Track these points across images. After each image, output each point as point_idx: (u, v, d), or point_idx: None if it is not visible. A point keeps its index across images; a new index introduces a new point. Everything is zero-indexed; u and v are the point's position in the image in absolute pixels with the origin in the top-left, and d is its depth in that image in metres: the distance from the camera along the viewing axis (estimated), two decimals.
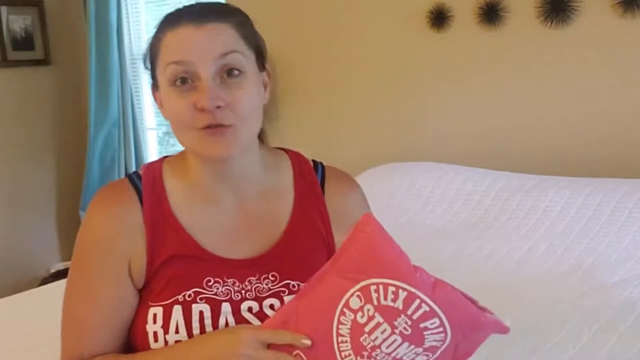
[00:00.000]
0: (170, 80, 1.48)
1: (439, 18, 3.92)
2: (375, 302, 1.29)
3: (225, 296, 1.52)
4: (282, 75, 4.56)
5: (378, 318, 1.28)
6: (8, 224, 5.48)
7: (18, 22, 5.41)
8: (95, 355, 1.55)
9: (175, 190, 1.60)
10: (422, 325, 1.27)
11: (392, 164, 3.92)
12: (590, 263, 2.83)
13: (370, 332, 1.29)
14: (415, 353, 1.30)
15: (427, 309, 1.27)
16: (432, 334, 1.28)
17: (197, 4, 1.54)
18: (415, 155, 4.00)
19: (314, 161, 1.75)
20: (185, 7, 1.54)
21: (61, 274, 4.90)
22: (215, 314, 1.50)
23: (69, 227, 5.73)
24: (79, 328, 1.57)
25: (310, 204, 1.67)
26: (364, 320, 1.30)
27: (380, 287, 1.29)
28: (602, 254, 2.88)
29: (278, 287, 1.56)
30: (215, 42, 1.48)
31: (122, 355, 1.56)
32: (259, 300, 1.54)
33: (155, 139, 5.66)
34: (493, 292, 2.66)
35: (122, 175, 5.36)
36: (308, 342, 1.40)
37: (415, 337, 1.28)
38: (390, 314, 1.28)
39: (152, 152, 5.62)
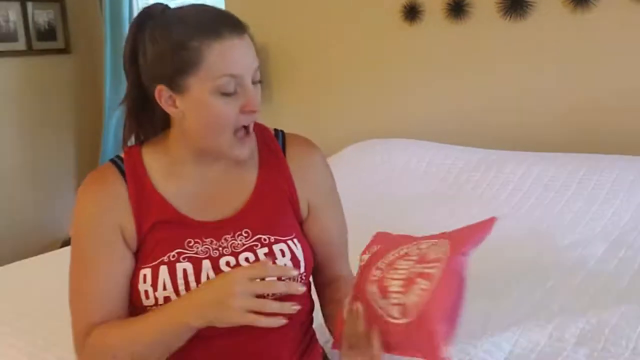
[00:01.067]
0: (219, 90, 1.45)
1: (412, 12, 3.90)
2: (428, 246, 1.35)
3: (205, 254, 1.53)
4: (275, 61, 4.52)
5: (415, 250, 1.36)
6: (34, 194, 5.46)
7: (42, 16, 5.38)
8: (103, 322, 1.55)
9: (153, 167, 1.60)
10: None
11: (371, 140, 3.91)
12: (544, 227, 2.82)
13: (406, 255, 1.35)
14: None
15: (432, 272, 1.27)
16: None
17: (220, 12, 1.52)
18: (391, 133, 3.98)
19: (275, 130, 1.75)
20: (216, 15, 1.50)
21: None
22: (197, 270, 1.51)
23: None
24: (85, 300, 1.56)
25: (273, 167, 1.67)
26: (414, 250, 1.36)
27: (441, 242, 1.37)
28: (555, 219, 2.87)
29: (251, 242, 1.56)
30: (252, 53, 1.50)
31: (124, 321, 1.53)
32: (235, 255, 1.54)
33: None
34: None
35: None
36: (295, 272, 1.44)
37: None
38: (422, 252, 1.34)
39: None
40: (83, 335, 1.53)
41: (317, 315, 1.76)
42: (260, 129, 1.70)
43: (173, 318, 1.43)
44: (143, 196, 1.57)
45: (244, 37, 1.48)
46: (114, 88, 5.25)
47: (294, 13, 4.43)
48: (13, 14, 5.20)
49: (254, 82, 1.50)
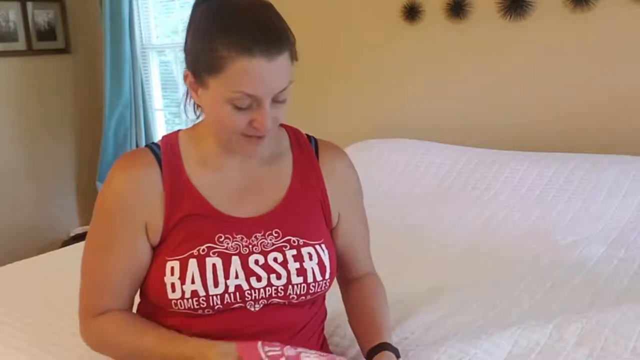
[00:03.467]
0: (232, 101, 1.43)
1: (412, 12, 3.91)
2: None
3: (235, 250, 1.52)
4: None
5: None
6: (34, 193, 5.47)
7: (42, 15, 5.39)
8: (112, 310, 1.59)
9: (189, 158, 1.59)
10: None
11: (370, 140, 3.91)
12: (544, 227, 2.82)
13: None
14: None
15: None
16: None
17: (263, 26, 1.43)
18: (391, 133, 3.99)
19: (307, 135, 1.75)
20: (258, 28, 1.42)
21: (80, 237, 4.90)
22: (227, 266, 1.50)
23: (86, 196, 5.73)
24: (97, 282, 1.58)
25: (307, 168, 1.68)
26: None
27: None
28: (554, 219, 2.87)
29: (281, 242, 1.57)
30: (281, 77, 1.46)
31: (139, 325, 1.58)
32: (264, 254, 1.54)
33: (162, 118, 5.64)
34: (458, 253, 2.66)
35: None
36: None
37: None
38: None
39: (159, 130, 5.59)
40: (90, 315, 1.59)
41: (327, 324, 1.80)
42: (293, 130, 1.73)
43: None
44: (177, 187, 1.56)
45: (275, 59, 1.42)
46: (114, 88, 5.26)
47: (293, 13, 4.42)
48: (13, 14, 5.21)
49: (276, 101, 1.48)
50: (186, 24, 1.53)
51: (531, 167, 3.17)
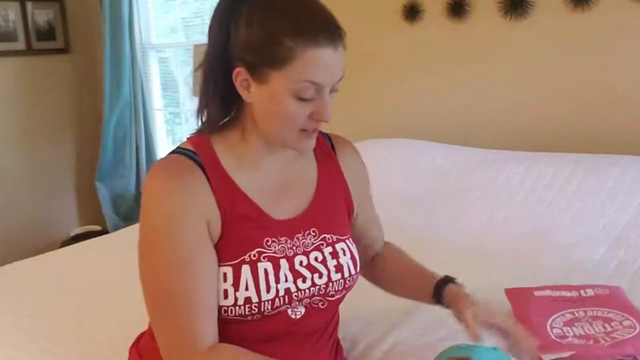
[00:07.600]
0: (296, 92, 1.41)
1: (412, 12, 3.91)
2: None
3: (282, 253, 1.51)
4: None
5: None
6: (33, 193, 5.46)
7: (42, 15, 5.40)
8: (215, 344, 1.45)
9: (225, 159, 1.52)
10: None
11: (370, 140, 3.91)
12: (544, 227, 2.82)
13: None
14: None
15: None
16: None
17: (325, 16, 1.48)
18: (391, 133, 3.99)
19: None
20: (319, 18, 1.45)
21: (79, 238, 4.89)
22: (277, 270, 1.48)
23: (86, 197, 5.74)
24: (191, 308, 1.42)
25: (328, 165, 1.68)
26: None
27: None
28: (555, 219, 2.87)
29: (318, 241, 1.57)
30: (341, 65, 1.47)
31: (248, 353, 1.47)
32: (306, 254, 1.54)
33: (162, 118, 5.64)
34: (457, 254, 2.66)
35: (133, 150, 5.35)
36: None
37: None
38: None
39: (159, 130, 5.60)
40: (191, 356, 1.42)
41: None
42: None
43: None
44: (225, 189, 1.49)
45: (338, 47, 1.44)
46: (114, 88, 5.26)
47: None
48: (12, 13, 5.21)
49: (332, 91, 1.48)
50: (218, 17, 1.47)
51: (531, 167, 3.16)
